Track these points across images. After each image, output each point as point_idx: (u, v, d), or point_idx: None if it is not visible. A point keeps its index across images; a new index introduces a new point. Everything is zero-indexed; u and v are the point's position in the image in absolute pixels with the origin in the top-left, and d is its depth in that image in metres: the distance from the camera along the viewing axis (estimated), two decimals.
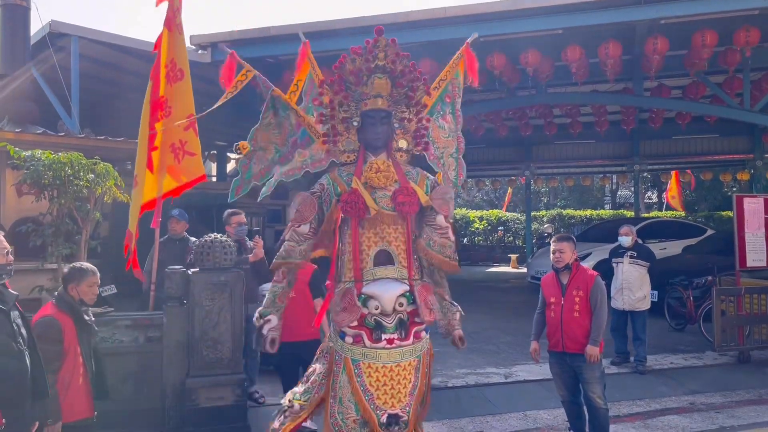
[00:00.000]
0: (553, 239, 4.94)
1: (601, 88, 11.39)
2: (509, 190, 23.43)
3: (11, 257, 3.10)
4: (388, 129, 3.33)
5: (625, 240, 7.27)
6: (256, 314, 3.36)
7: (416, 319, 3.20)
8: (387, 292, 3.12)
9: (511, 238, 24.71)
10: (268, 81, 3.53)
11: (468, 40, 3.94)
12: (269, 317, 3.30)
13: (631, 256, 7.25)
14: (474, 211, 27.31)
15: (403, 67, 3.29)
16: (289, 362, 4.93)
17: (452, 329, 3.44)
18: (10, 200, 7.54)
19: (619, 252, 7.42)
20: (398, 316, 3.14)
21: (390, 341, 3.12)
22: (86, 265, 3.77)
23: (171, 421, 4.96)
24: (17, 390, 2.95)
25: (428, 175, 3.42)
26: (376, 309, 3.12)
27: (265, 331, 3.29)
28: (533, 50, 8.77)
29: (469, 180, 22.00)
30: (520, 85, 10.25)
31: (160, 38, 5.74)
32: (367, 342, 3.14)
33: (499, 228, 24.73)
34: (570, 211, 26.23)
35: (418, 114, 3.40)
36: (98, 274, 3.76)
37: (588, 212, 25.98)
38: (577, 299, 4.70)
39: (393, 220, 3.22)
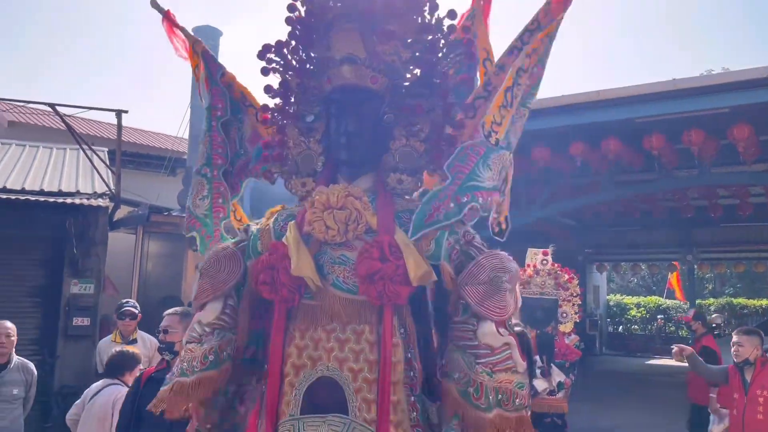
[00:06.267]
0: (735, 331, 4.63)
1: None
2: (672, 275, 21.80)
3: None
4: (371, 125, 1.80)
5: None
6: None
7: None
8: None
9: (672, 328, 22.78)
10: (216, 60, 2.24)
11: None
12: None
13: None
14: (630, 297, 25.67)
15: None
16: None
17: None
18: (190, 279, 8.38)
19: None
20: None
21: None
22: None
23: None
24: None
25: (461, 218, 1.76)
26: None
27: None
28: (696, 129, 8.39)
29: (623, 264, 20.90)
30: (679, 165, 9.78)
31: None
32: None
33: (659, 316, 22.95)
34: (741, 300, 23.78)
35: (445, 97, 1.82)
36: None
37: (763, 302, 23.37)
38: (761, 399, 4.27)
39: (356, 314, 1.67)
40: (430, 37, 1.80)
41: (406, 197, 1.83)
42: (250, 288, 1.82)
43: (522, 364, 1.64)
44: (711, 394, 6.54)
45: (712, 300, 24.84)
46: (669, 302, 23.47)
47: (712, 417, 6.19)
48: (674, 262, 19.31)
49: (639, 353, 20.44)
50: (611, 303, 23.74)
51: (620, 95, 8.01)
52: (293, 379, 1.64)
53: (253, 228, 1.93)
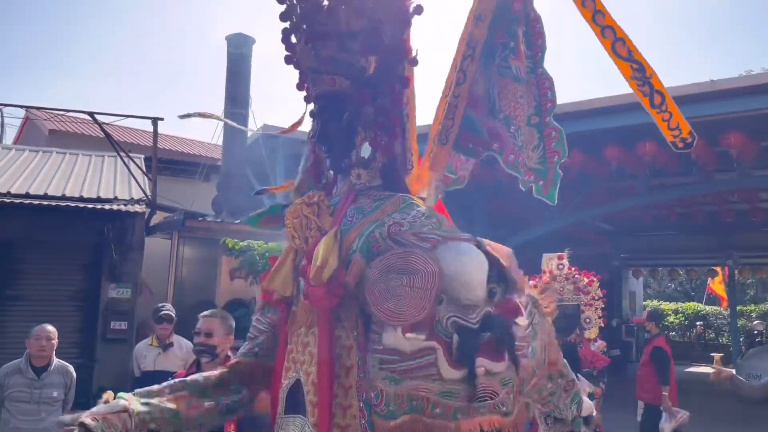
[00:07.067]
0: None
1: None
2: (713, 280, 21.21)
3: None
4: (341, 128, 1.75)
5: None
6: None
7: None
8: None
9: (712, 335, 22.20)
10: None
11: None
12: None
13: None
14: (668, 302, 25.12)
15: None
16: None
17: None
18: (224, 283, 8.50)
19: None
20: None
21: None
22: None
23: None
24: None
25: (399, 209, 1.62)
26: None
27: None
28: (735, 132, 8.18)
29: (660, 269, 20.47)
30: (718, 167, 9.54)
31: None
32: None
33: (698, 323, 22.40)
34: None
35: (393, 75, 1.77)
36: None
37: None
38: None
39: (312, 318, 1.66)
40: (367, 22, 1.69)
41: (373, 193, 1.72)
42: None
43: (451, 371, 1.32)
44: (663, 392, 6.71)
45: (753, 306, 24.12)
46: (708, 308, 22.90)
47: (664, 415, 6.42)
48: (714, 267, 18.82)
49: (677, 360, 19.95)
50: (648, 309, 23.29)
51: None
52: (282, 381, 1.72)
53: None
